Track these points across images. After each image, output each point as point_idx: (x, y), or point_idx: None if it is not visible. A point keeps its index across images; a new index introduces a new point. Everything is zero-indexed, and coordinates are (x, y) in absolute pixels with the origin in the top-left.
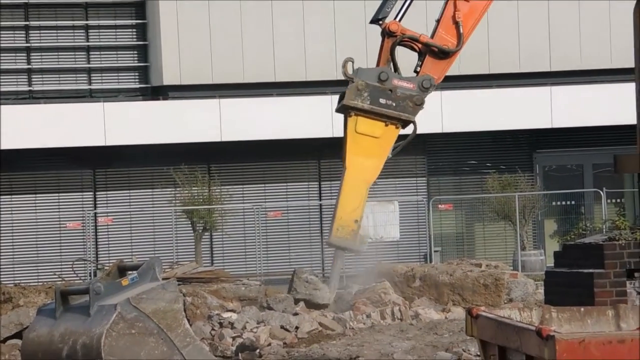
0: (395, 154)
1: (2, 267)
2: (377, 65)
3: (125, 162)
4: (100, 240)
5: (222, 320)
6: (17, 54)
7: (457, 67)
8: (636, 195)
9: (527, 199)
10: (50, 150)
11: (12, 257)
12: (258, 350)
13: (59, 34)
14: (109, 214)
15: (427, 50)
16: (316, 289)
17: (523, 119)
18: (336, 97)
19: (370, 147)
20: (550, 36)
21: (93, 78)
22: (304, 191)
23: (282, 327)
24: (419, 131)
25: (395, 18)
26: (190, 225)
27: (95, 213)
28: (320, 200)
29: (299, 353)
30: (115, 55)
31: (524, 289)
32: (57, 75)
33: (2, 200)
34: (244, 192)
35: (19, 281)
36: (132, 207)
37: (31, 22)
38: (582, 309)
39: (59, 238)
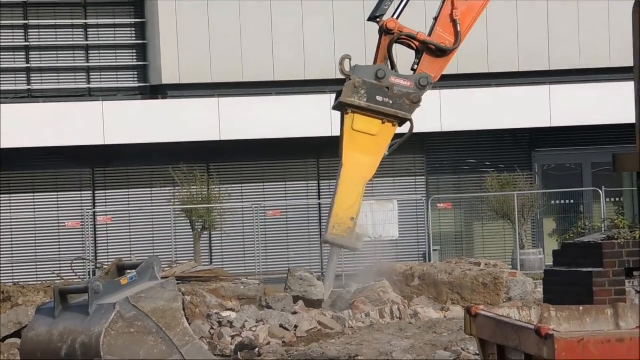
0: (392, 152)
1: (1, 266)
2: (375, 62)
3: (124, 161)
4: (99, 239)
5: (221, 319)
6: (16, 53)
7: (456, 66)
8: (635, 194)
9: (526, 198)
10: (49, 149)
11: (11, 256)
12: (257, 349)
13: (58, 33)
14: (107, 213)
15: (425, 48)
16: (311, 285)
17: (522, 118)
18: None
19: (367, 144)
20: (549, 35)
21: (92, 77)
22: (302, 190)
23: (281, 326)
24: (418, 130)
25: (392, 16)
26: (189, 224)
27: (94, 212)
28: (319, 199)
29: (298, 352)
30: (114, 54)
31: (523, 288)
32: (56, 74)
33: (1, 199)
34: (243, 191)
35: (18, 280)
36: (131, 206)
37: (30, 21)
38: (581, 308)
39: (57, 237)
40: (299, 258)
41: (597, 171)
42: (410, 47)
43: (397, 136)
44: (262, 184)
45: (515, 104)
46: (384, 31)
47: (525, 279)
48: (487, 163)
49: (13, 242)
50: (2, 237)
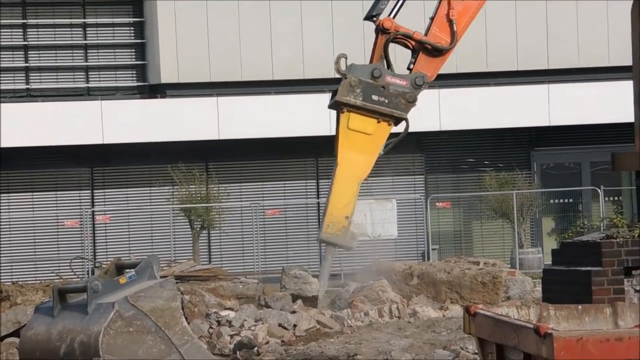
0: (387, 151)
1: (0, 265)
2: (371, 61)
3: (122, 160)
4: (98, 238)
5: (220, 318)
6: (15, 52)
7: (455, 65)
8: (634, 193)
9: (524, 197)
10: (47, 148)
11: (9, 255)
12: (256, 348)
13: (56, 32)
14: (106, 212)
15: (421, 48)
16: (306, 282)
17: (521, 116)
18: None
19: (362, 143)
20: (548, 34)
21: (91, 76)
22: (301, 189)
23: (280, 325)
24: (416, 129)
25: (389, 15)
26: (188, 224)
27: (93, 211)
28: (318, 198)
29: (297, 351)
30: (112, 53)
31: (522, 287)
32: (55, 73)
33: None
34: (242, 190)
35: (16, 279)
36: (129, 205)
37: (29, 20)
38: (580, 307)
39: (56, 236)
40: (298, 257)
41: (596, 170)
42: (406, 46)
43: (393, 135)
44: (260, 183)
45: (514, 103)
46: (380, 30)
47: (524, 278)
48: (486, 162)
49: (12, 241)
50: (1, 236)
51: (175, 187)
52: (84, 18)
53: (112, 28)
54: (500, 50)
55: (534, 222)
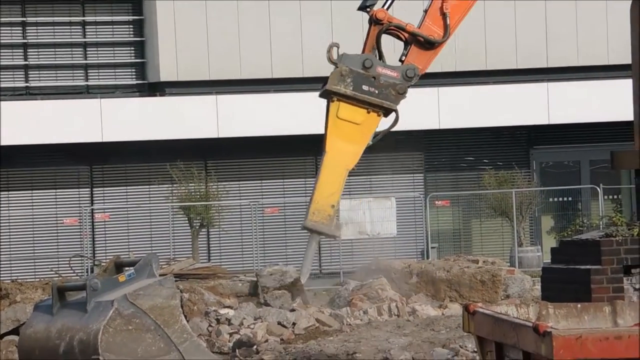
0: (375, 142)
1: None
2: (363, 52)
3: (122, 158)
4: (97, 236)
5: (219, 316)
6: (14, 50)
7: (455, 63)
8: (633, 192)
9: (524, 196)
10: (47, 146)
11: (9, 253)
12: (255, 347)
13: (55, 31)
14: (105, 210)
15: (413, 40)
16: (283, 275)
17: (520, 115)
18: None
19: (351, 133)
20: (547, 33)
21: (90, 74)
22: (300, 187)
23: (279, 323)
24: (416, 127)
25: (383, 6)
26: (187, 222)
27: (92, 209)
28: None
29: (296, 349)
30: (112, 52)
31: (521, 285)
32: (54, 72)
33: None
34: (241, 188)
35: (16, 277)
36: (129, 203)
37: (28, 19)
38: (579, 305)
39: (55, 234)
40: (297, 255)
41: (595, 168)
42: (399, 38)
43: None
44: (260, 181)
45: (513, 102)
46: (373, 21)
47: (523, 277)
48: (485, 160)
49: (11, 240)
50: (0, 234)
51: (175, 185)
52: (83, 16)
53: (111, 26)
54: (500, 48)
55: (533, 220)
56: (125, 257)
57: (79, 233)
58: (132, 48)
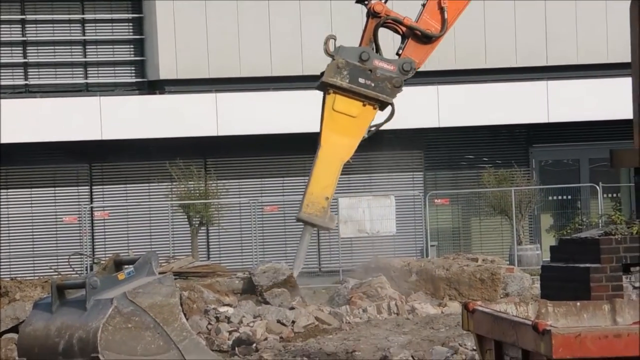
0: (370, 135)
1: None
2: (360, 45)
3: (121, 157)
4: (96, 234)
5: (218, 314)
6: (14, 48)
7: (454, 61)
8: (632, 190)
9: (523, 194)
10: (46, 144)
11: (8, 251)
12: (254, 345)
13: (55, 28)
14: (105, 208)
15: (411, 34)
16: (276, 271)
17: (519, 113)
18: None
19: (346, 125)
20: (547, 31)
21: (89, 72)
22: (300, 185)
23: (278, 321)
24: (415, 125)
25: None
26: (186, 220)
27: (92, 207)
28: None
29: (296, 347)
30: (111, 50)
31: (520, 284)
32: (54, 69)
33: None
34: (241, 186)
35: (15, 275)
36: (128, 201)
37: (27, 16)
38: (578, 304)
39: (55, 232)
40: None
41: (595, 167)
42: (396, 31)
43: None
44: (259, 180)
45: (512, 100)
46: (371, 14)
47: (523, 275)
48: (484, 159)
49: (10, 237)
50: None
51: (174, 183)
52: (83, 14)
53: (110, 24)
54: (499, 47)
55: (532, 218)
56: (125, 255)
57: (78, 231)
58: (132, 46)
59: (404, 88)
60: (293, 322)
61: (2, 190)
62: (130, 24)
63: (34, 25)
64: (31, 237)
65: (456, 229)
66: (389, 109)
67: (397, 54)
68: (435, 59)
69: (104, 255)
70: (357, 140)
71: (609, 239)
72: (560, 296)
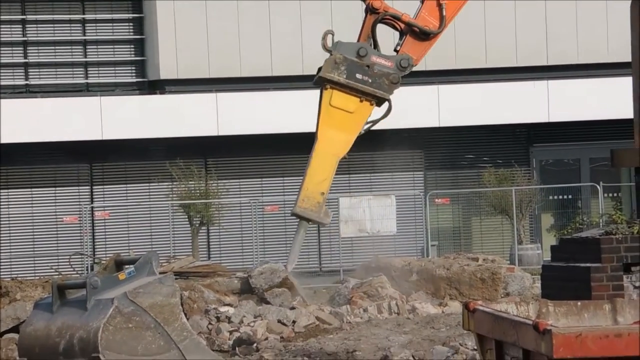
0: (367, 131)
1: None
2: (358, 41)
3: (122, 156)
4: (97, 234)
5: (219, 314)
6: (14, 48)
7: (454, 61)
8: (633, 190)
9: (524, 193)
10: (46, 144)
11: (9, 251)
12: (255, 345)
13: (55, 28)
14: (105, 208)
15: (409, 30)
16: (272, 272)
17: (520, 113)
18: None
19: (343, 121)
20: (547, 31)
21: (90, 72)
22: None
23: (279, 321)
24: (416, 125)
25: None
26: (187, 220)
27: (92, 207)
28: None
29: (296, 347)
30: (112, 49)
31: (521, 283)
32: (54, 69)
33: None
34: (241, 186)
35: (16, 275)
36: (128, 201)
37: (28, 16)
38: (579, 303)
39: (55, 232)
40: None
41: (595, 166)
42: (394, 27)
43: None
44: (260, 179)
45: (513, 99)
46: (369, 10)
47: (523, 274)
48: (485, 158)
49: (11, 237)
50: (0, 232)
51: (175, 183)
52: (83, 14)
53: (111, 24)
54: (500, 46)
55: (533, 218)
56: (125, 255)
57: (78, 231)
58: (132, 46)
59: (404, 88)
60: (294, 321)
61: (2, 191)
62: (131, 24)
63: (35, 25)
64: (32, 237)
65: (457, 229)
66: (386, 105)
67: (395, 50)
68: (436, 58)
69: (104, 255)
70: (353, 136)
71: (609, 239)
72: (561, 296)
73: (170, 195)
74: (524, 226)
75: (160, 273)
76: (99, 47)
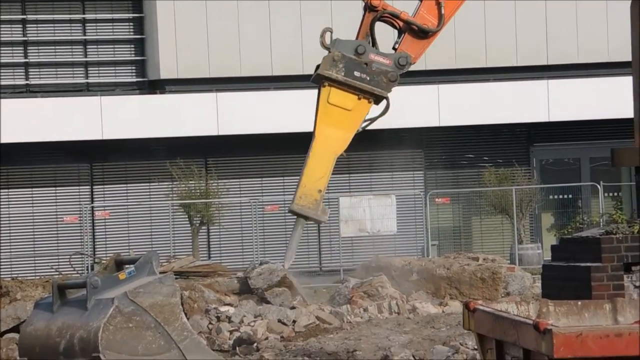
0: (364, 129)
1: None
2: (356, 38)
3: (122, 156)
4: (97, 234)
5: (219, 314)
6: (14, 48)
7: (454, 61)
8: (633, 189)
9: (524, 193)
10: (47, 144)
11: (9, 250)
12: (255, 344)
13: (56, 28)
14: (106, 208)
15: (407, 28)
16: (271, 273)
17: (520, 112)
18: None
19: (341, 119)
20: (547, 30)
21: (90, 72)
22: None
23: (279, 320)
24: (416, 124)
25: None
26: (187, 219)
27: (92, 207)
28: None
29: (296, 347)
30: (112, 49)
31: (521, 283)
32: (54, 69)
33: None
34: (241, 186)
35: (16, 275)
36: (129, 201)
37: (28, 16)
38: (580, 303)
39: (56, 232)
40: (297, 253)
41: (595, 166)
42: (393, 25)
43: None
44: (260, 179)
45: (513, 99)
46: (368, 8)
47: (524, 274)
48: (485, 158)
49: (11, 237)
50: (0, 231)
51: (175, 182)
52: (84, 14)
53: (111, 24)
54: (500, 46)
55: (533, 217)
56: (126, 254)
57: (79, 231)
58: (133, 46)
59: (404, 87)
60: (294, 321)
61: (3, 190)
62: (131, 24)
63: (35, 25)
64: (32, 237)
65: (457, 228)
66: (384, 103)
67: (394, 48)
68: (436, 57)
69: (104, 255)
70: (351, 134)
71: (610, 238)
72: (561, 295)
73: (171, 195)
74: (524, 226)
75: (160, 273)
76: (99, 46)
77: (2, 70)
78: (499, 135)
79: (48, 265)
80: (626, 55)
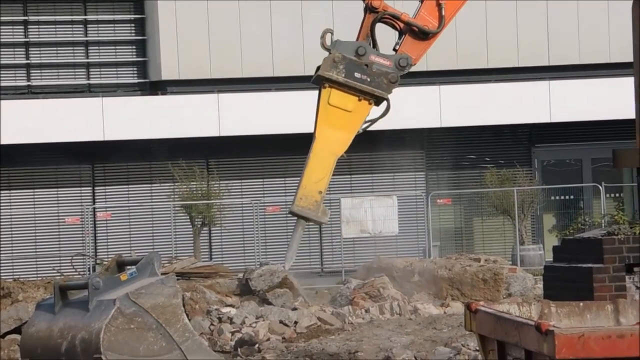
0: (365, 130)
1: (1, 262)
2: (357, 40)
3: (123, 157)
4: (99, 235)
5: (221, 315)
6: (16, 49)
7: (456, 61)
8: (635, 190)
9: (525, 194)
10: (48, 145)
11: (11, 252)
12: (257, 345)
13: (57, 29)
14: (107, 209)
15: (408, 30)
16: (272, 274)
17: (521, 113)
18: None
19: (341, 120)
20: (549, 31)
21: (91, 73)
22: None
23: (281, 322)
24: (418, 125)
25: None
26: (188, 220)
27: (94, 208)
28: None
29: (298, 348)
30: (113, 50)
31: (523, 284)
32: (56, 70)
33: (1, 195)
34: (243, 187)
35: (17, 276)
36: (130, 202)
37: (30, 17)
38: (581, 304)
39: (57, 233)
40: (298, 254)
41: (597, 167)
42: (393, 27)
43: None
44: (261, 180)
45: (514, 100)
46: (368, 9)
47: (525, 275)
48: (486, 159)
49: (13, 238)
50: (2, 233)
51: (176, 184)
52: (85, 15)
53: (113, 25)
54: (501, 47)
55: (534, 218)
56: (127, 255)
57: (80, 232)
58: (134, 47)
59: (406, 88)
60: (295, 322)
61: (4, 191)
62: (132, 25)
63: (37, 26)
64: (34, 238)
65: (458, 229)
66: (384, 104)
67: (394, 49)
68: (438, 58)
69: (106, 256)
70: (351, 135)
71: (611, 239)
72: (563, 296)
73: (172, 196)
74: (525, 227)
75: (162, 274)
76: (100, 48)
77: (3, 72)
78: (501, 136)
79: (50, 267)
80: (628, 56)
